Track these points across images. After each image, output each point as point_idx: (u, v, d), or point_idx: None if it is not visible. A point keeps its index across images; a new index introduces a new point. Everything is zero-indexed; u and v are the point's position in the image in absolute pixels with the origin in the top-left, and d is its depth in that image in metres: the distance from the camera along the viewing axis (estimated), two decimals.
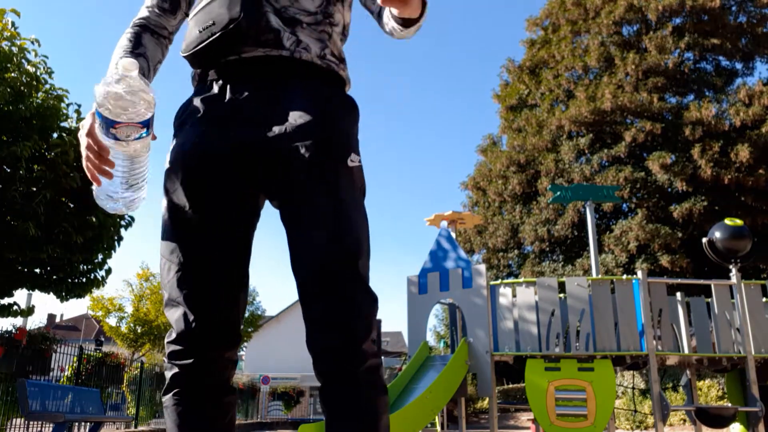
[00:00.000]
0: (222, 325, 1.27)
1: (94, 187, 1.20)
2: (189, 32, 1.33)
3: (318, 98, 1.27)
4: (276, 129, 1.24)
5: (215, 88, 1.31)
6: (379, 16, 1.42)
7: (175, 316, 1.28)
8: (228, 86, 1.29)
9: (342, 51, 1.40)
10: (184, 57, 1.33)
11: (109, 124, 1.10)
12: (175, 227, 1.27)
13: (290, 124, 1.24)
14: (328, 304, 1.18)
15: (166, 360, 1.34)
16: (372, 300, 1.22)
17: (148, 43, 1.39)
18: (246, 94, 1.28)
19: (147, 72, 1.35)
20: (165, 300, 1.29)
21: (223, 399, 1.33)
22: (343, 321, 1.17)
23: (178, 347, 1.30)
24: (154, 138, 1.21)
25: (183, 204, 1.26)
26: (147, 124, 1.12)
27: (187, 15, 1.43)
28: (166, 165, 1.30)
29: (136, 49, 1.35)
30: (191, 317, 1.25)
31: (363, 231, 1.25)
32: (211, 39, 1.26)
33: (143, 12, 1.45)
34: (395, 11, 1.19)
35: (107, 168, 1.14)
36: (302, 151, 1.22)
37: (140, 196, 1.20)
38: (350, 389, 1.18)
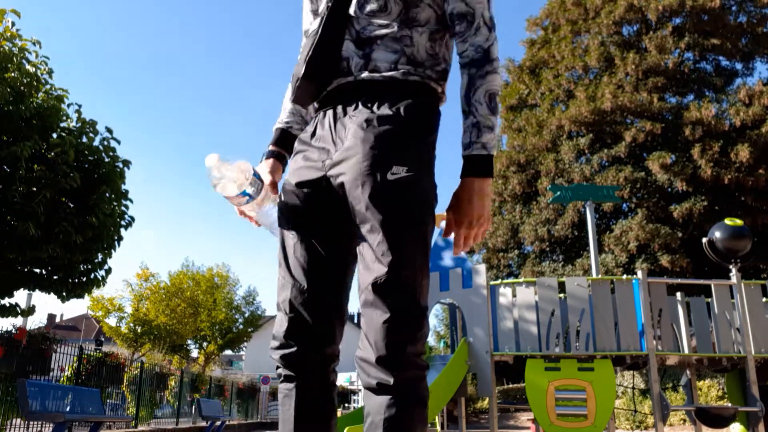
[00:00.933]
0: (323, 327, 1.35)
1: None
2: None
3: (370, 129, 1.27)
4: (329, 160, 1.33)
5: (310, 126, 1.44)
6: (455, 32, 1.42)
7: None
8: (318, 118, 1.41)
9: (435, 48, 1.38)
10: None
11: (227, 199, 1.43)
12: (284, 249, 1.39)
13: (340, 170, 1.29)
14: (366, 316, 1.23)
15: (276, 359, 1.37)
16: (415, 313, 1.21)
17: None
18: (324, 126, 1.38)
19: (305, 113, 1.54)
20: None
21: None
22: (377, 331, 1.20)
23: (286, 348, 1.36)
24: (275, 192, 1.44)
25: (290, 217, 1.39)
26: (246, 194, 1.39)
27: None
28: (282, 193, 1.45)
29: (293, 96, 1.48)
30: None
31: (408, 248, 1.22)
32: (293, 90, 1.40)
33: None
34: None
35: (251, 219, 1.46)
36: (343, 176, 1.27)
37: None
38: (383, 398, 1.19)
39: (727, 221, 6.05)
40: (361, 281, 1.24)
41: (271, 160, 1.49)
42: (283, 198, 1.40)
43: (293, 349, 1.31)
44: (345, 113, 1.33)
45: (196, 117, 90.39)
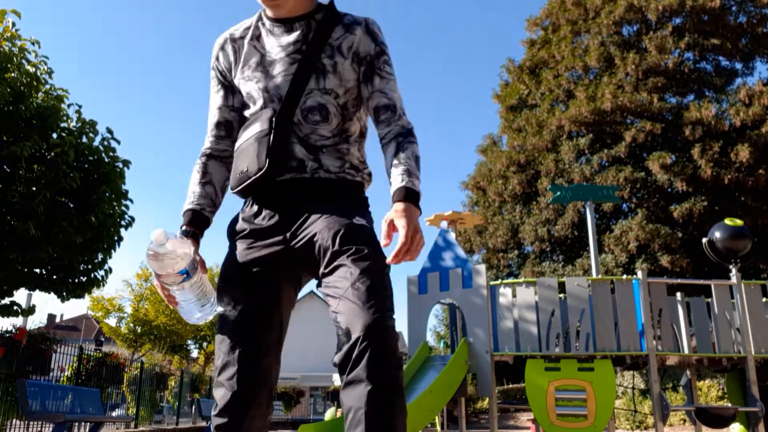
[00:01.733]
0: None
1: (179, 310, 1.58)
2: (234, 168, 1.63)
3: (332, 205, 1.53)
4: (301, 234, 1.53)
5: (255, 208, 1.61)
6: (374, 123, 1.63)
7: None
8: (263, 206, 1.60)
9: (361, 154, 1.68)
10: (231, 187, 1.64)
11: (156, 276, 1.47)
12: (227, 318, 1.54)
13: (311, 229, 1.51)
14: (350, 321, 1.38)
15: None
16: (386, 312, 1.38)
17: (213, 169, 1.70)
18: (279, 210, 1.58)
19: (215, 196, 1.68)
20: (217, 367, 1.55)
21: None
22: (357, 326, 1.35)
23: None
24: (205, 271, 1.55)
25: (236, 297, 1.54)
26: (185, 272, 1.44)
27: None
28: (223, 269, 1.60)
29: (203, 179, 1.68)
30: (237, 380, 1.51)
31: (384, 289, 1.42)
32: (246, 183, 1.58)
33: (206, 142, 1.73)
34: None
35: (174, 300, 1.52)
36: (324, 243, 1.46)
37: (212, 309, 1.57)
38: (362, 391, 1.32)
39: (727, 221, 6.05)
40: (344, 310, 1.39)
41: (191, 240, 1.59)
42: (229, 282, 1.56)
43: (233, 421, 1.46)
44: (300, 203, 1.56)
45: (197, 116, 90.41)
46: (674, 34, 19.57)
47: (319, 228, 1.49)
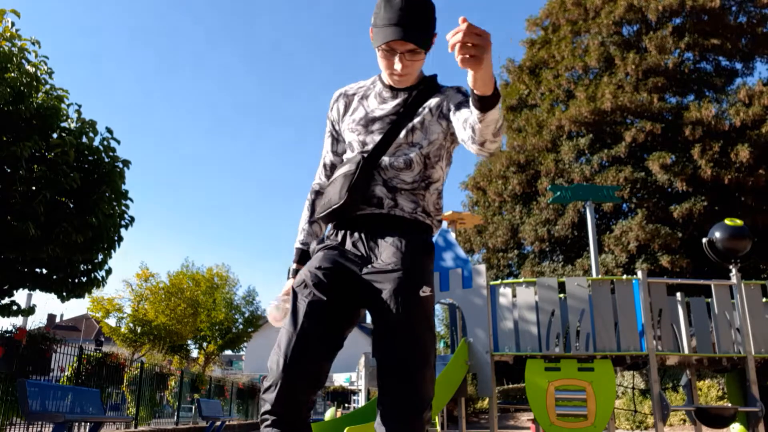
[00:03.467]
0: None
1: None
2: (323, 198, 1.91)
3: (403, 244, 1.78)
4: (369, 266, 1.76)
5: (339, 236, 1.87)
6: (464, 128, 1.73)
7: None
8: (347, 233, 1.86)
9: (437, 203, 1.94)
10: (319, 213, 1.90)
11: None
12: (295, 314, 1.73)
13: (380, 264, 1.75)
14: (394, 397, 1.65)
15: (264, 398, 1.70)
16: (427, 406, 1.67)
17: (317, 206, 1.99)
18: (357, 239, 1.84)
19: (319, 231, 2.01)
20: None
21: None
22: (398, 421, 1.63)
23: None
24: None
25: (301, 297, 1.75)
26: None
27: None
28: (301, 275, 1.81)
29: (310, 217, 2.02)
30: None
31: (429, 343, 1.71)
32: (327, 211, 1.85)
33: (315, 179, 2.07)
34: (470, 80, 1.42)
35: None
36: (386, 282, 1.70)
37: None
38: None
39: (727, 221, 6.05)
40: (387, 363, 1.69)
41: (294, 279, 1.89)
42: (309, 275, 1.76)
43: (285, 392, 1.63)
44: (375, 235, 1.82)
45: (197, 117, 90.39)
46: (674, 34, 19.55)
47: (387, 287, 1.70)
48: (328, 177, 2.03)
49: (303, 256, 1.96)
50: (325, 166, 2.05)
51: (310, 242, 1.98)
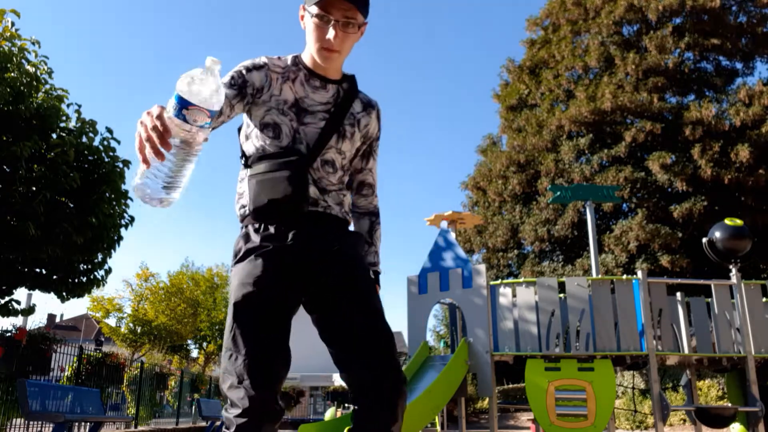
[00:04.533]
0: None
1: (137, 176, 1.34)
2: (256, 191, 1.80)
3: (341, 237, 1.87)
4: (317, 255, 1.79)
5: (271, 229, 1.80)
6: (355, 182, 2.06)
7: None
8: (282, 228, 1.80)
9: (349, 204, 2.00)
10: (254, 209, 1.81)
11: (183, 105, 1.28)
12: (245, 322, 1.70)
13: (326, 251, 1.80)
14: (373, 369, 1.69)
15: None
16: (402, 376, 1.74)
17: None
18: (294, 234, 1.80)
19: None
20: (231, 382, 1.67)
21: None
22: (383, 387, 1.68)
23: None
24: (206, 140, 1.41)
25: (255, 302, 1.72)
26: (213, 116, 1.33)
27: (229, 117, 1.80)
28: (241, 280, 1.75)
29: None
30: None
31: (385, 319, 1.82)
32: (275, 210, 1.79)
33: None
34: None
35: (163, 150, 1.30)
36: (340, 267, 1.79)
37: (174, 197, 1.38)
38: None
39: (727, 221, 6.05)
40: (353, 338, 1.75)
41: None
42: (254, 293, 1.72)
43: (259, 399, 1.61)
44: (311, 231, 1.82)
45: None
46: (674, 34, 19.55)
47: (344, 264, 1.81)
48: (229, 90, 1.82)
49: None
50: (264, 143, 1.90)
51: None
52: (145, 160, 1.31)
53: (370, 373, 1.69)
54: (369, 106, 1.97)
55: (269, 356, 1.67)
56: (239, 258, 1.80)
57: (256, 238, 1.80)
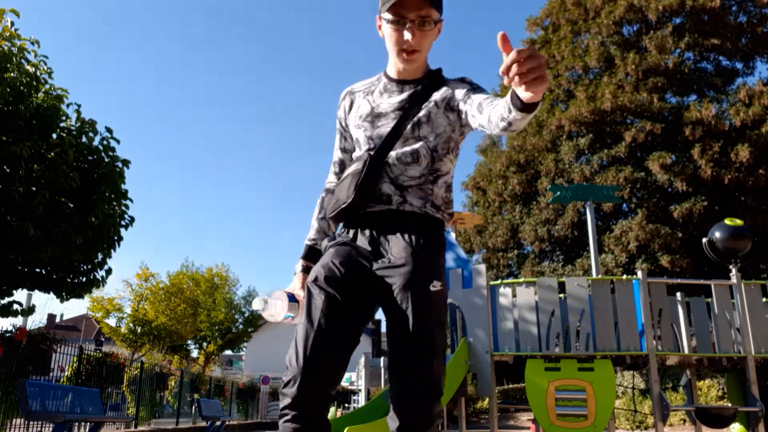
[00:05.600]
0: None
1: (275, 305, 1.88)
2: (332, 197, 1.92)
3: (413, 239, 1.80)
4: (381, 262, 1.78)
5: (350, 233, 1.88)
6: (480, 112, 1.73)
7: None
8: (358, 230, 1.87)
9: (446, 196, 1.93)
10: (328, 218, 1.93)
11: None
12: (311, 310, 1.73)
13: (391, 260, 1.78)
14: (405, 387, 1.68)
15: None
16: (438, 395, 1.70)
17: (328, 203, 1.99)
18: (368, 235, 1.84)
19: (327, 229, 2.02)
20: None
21: None
22: (409, 410, 1.66)
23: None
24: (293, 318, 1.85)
25: (317, 293, 1.74)
26: (289, 317, 1.84)
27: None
28: (314, 271, 1.80)
29: (320, 213, 2.04)
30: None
31: (439, 337, 1.74)
32: (337, 211, 1.87)
33: (328, 177, 2.08)
34: (525, 94, 1.34)
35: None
36: (397, 277, 1.74)
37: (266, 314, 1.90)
38: None
39: (727, 221, 6.05)
40: (399, 364, 1.72)
41: (302, 275, 1.95)
42: (322, 271, 1.76)
43: (304, 388, 1.62)
44: (386, 230, 1.83)
45: (197, 116, 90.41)
46: (674, 34, 19.55)
47: (398, 281, 1.74)
48: (337, 175, 2.05)
49: (310, 253, 1.98)
50: (335, 164, 2.07)
51: (319, 239, 1.99)
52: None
53: (402, 387, 1.69)
54: (453, 81, 1.90)
55: (318, 354, 1.65)
56: (323, 254, 1.88)
57: (338, 239, 1.89)
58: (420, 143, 1.84)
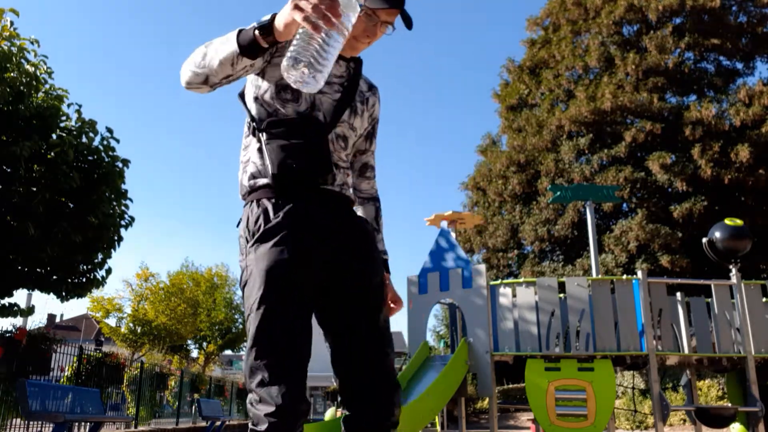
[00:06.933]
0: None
1: (300, 50, 1.36)
2: (274, 155, 1.68)
3: (361, 227, 1.82)
4: (333, 243, 1.71)
5: (290, 207, 1.68)
6: (357, 167, 1.99)
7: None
8: (298, 208, 1.69)
9: (354, 185, 1.97)
10: (278, 176, 1.68)
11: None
12: (276, 312, 1.60)
13: (350, 249, 1.74)
14: (369, 385, 1.67)
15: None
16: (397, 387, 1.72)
17: None
18: (314, 216, 1.70)
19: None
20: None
21: None
22: (380, 404, 1.67)
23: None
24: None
25: (285, 291, 1.62)
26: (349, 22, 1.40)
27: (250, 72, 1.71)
28: (267, 267, 1.62)
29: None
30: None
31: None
32: (298, 177, 1.68)
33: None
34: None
35: (333, 20, 1.34)
36: (357, 267, 1.73)
37: (317, 81, 1.39)
38: None
39: (727, 221, 6.05)
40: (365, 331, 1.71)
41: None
42: (283, 277, 1.62)
43: (296, 388, 1.55)
44: (333, 214, 1.74)
45: (197, 116, 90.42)
46: (674, 34, 19.55)
47: (361, 263, 1.74)
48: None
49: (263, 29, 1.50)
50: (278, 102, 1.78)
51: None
52: (317, 28, 1.34)
53: (367, 379, 1.67)
54: (372, 86, 1.97)
55: (301, 349, 1.58)
56: (259, 238, 1.66)
57: (275, 217, 1.67)
58: (350, 132, 1.83)
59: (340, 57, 1.82)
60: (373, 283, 1.75)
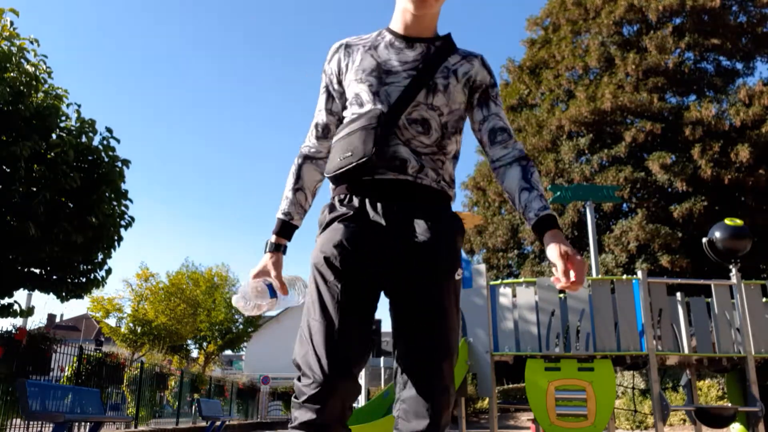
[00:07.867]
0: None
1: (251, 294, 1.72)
2: (332, 156, 1.69)
3: (434, 218, 1.63)
4: (401, 240, 1.59)
5: (355, 201, 1.65)
6: (488, 140, 1.76)
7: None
8: (366, 200, 1.64)
9: (453, 173, 1.77)
10: (327, 177, 1.71)
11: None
12: (323, 302, 1.55)
13: (412, 239, 1.59)
14: (418, 390, 1.53)
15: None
16: (450, 394, 1.57)
17: (306, 173, 1.80)
18: (380, 208, 1.62)
19: (305, 201, 1.80)
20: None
21: None
22: (424, 409, 1.51)
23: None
24: (285, 293, 1.71)
25: (332, 280, 1.56)
26: (272, 295, 1.70)
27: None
28: (320, 247, 1.61)
29: (296, 184, 1.79)
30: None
31: (454, 335, 1.59)
32: (348, 167, 1.62)
33: (305, 141, 1.84)
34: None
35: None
36: (421, 263, 1.57)
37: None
38: None
39: (727, 221, 6.05)
40: (411, 358, 1.57)
41: (272, 255, 1.73)
42: (332, 255, 1.57)
43: (328, 395, 1.48)
44: (402, 206, 1.63)
45: (197, 116, 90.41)
46: (674, 34, 19.55)
47: (426, 270, 1.57)
48: (318, 138, 1.81)
49: (284, 229, 1.74)
50: (317, 126, 1.82)
51: (294, 213, 1.76)
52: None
53: (419, 390, 1.54)
54: (468, 55, 1.77)
55: (346, 331, 1.51)
56: (323, 228, 1.65)
57: (341, 209, 1.65)
58: (432, 113, 1.68)
59: (414, 39, 1.73)
60: (437, 281, 1.58)
